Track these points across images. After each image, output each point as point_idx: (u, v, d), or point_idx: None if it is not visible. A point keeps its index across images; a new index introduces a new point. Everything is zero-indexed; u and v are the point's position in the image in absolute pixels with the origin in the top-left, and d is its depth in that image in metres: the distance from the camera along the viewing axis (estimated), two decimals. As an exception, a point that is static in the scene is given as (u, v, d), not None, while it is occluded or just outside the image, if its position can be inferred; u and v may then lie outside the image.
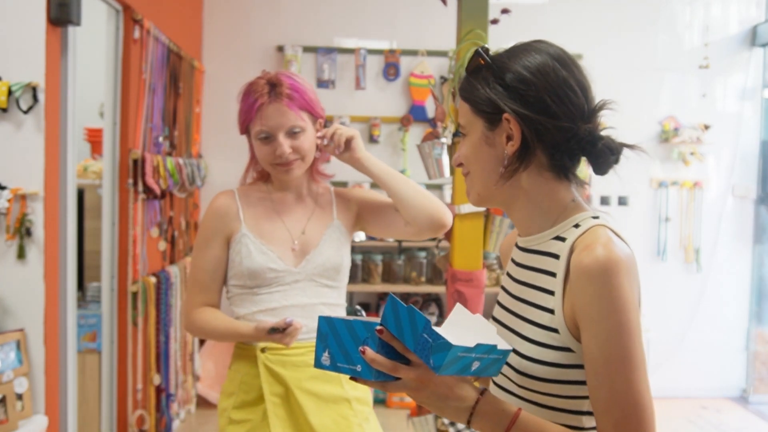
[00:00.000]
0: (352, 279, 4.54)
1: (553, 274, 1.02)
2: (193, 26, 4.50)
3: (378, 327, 0.93)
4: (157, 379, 3.42)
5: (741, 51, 4.85)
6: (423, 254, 4.63)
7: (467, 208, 2.47)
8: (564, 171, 1.05)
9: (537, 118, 1.00)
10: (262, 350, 1.69)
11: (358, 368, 0.95)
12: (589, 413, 1.01)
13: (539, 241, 1.06)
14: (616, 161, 1.04)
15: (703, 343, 4.74)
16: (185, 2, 4.34)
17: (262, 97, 1.66)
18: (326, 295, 1.76)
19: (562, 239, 1.03)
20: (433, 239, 4.46)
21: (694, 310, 4.79)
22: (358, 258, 4.57)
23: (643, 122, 4.71)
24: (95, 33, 3.16)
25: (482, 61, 1.05)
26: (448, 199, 4.14)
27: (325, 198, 1.85)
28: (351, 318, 0.99)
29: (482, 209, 2.49)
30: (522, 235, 1.11)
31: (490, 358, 0.94)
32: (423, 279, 4.59)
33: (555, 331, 0.99)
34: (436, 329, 0.90)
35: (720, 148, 4.83)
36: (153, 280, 3.36)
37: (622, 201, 4.76)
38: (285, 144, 1.67)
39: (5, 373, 2.23)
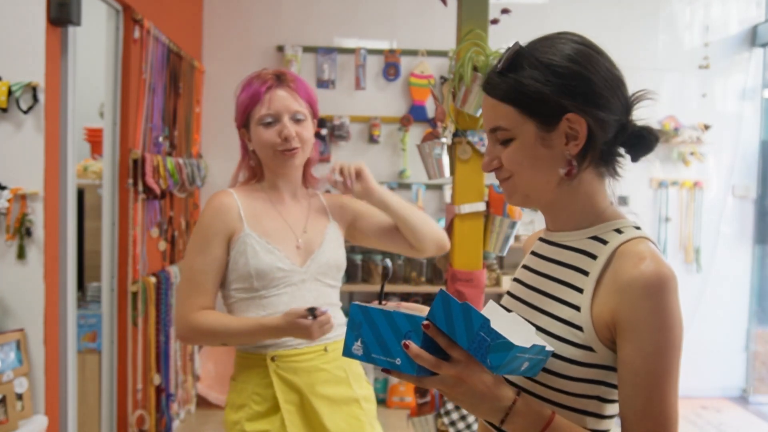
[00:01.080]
0: (353, 279, 4.55)
1: (585, 272, 1.01)
2: (193, 26, 4.50)
3: (425, 322, 0.91)
4: (157, 379, 3.42)
5: (741, 51, 4.85)
6: (423, 254, 4.62)
7: (467, 208, 2.47)
8: (609, 167, 1.05)
9: (599, 114, 0.99)
10: (272, 359, 1.65)
11: (397, 361, 0.92)
12: (595, 414, 1.01)
13: (573, 237, 1.06)
14: (652, 149, 1.05)
15: (703, 343, 4.74)
16: (185, 2, 4.34)
17: (267, 83, 1.68)
18: (330, 295, 1.75)
19: (602, 241, 1.02)
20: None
21: (694, 310, 4.78)
22: (358, 258, 4.57)
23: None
24: (95, 33, 3.16)
25: (531, 59, 0.99)
26: (448, 199, 4.14)
27: (315, 201, 1.84)
28: (390, 309, 0.96)
29: (482, 209, 2.49)
30: (553, 229, 1.10)
31: (537, 359, 0.94)
32: (423, 279, 4.59)
33: (578, 328, 0.99)
34: (494, 328, 0.88)
35: (720, 148, 4.84)
36: (153, 280, 3.36)
37: (622, 201, 4.76)
38: (290, 125, 1.67)
39: (5, 373, 2.23)
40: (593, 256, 1.02)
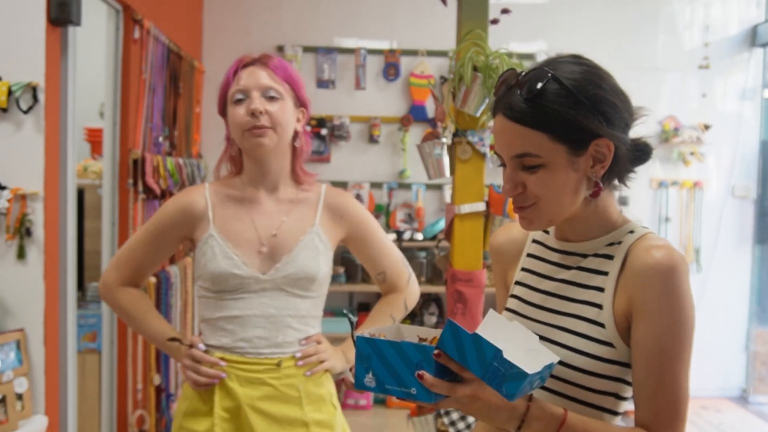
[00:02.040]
0: (352, 279, 4.55)
1: (604, 273, 1.06)
2: (193, 26, 4.50)
3: (436, 351, 0.92)
4: (157, 379, 3.42)
5: (741, 51, 4.85)
6: (423, 254, 4.63)
7: (467, 208, 2.47)
8: (622, 181, 1.10)
9: (622, 136, 1.04)
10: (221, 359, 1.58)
11: (413, 391, 0.94)
12: (610, 411, 1.05)
13: (592, 246, 1.10)
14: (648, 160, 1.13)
15: (703, 343, 4.70)
16: (185, 2, 4.34)
17: (243, 62, 1.59)
18: (297, 305, 1.59)
19: (617, 243, 1.07)
20: (433, 239, 4.48)
21: (694, 310, 4.78)
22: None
23: (643, 122, 4.70)
24: (95, 33, 3.16)
25: (559, 86, 1.00)
26: (448, 199, 4.14)
27: (309, 200, 1.66)
28: (398, 340, 0.97)
29: (482, 209, 2.49)
30: (570, 240, 1.12)
31: (546, 374, 0.97)
32: (423, 279, 4.59)
33: (601, 325, 1.03)
34: (507, 358, 0.90)
35: (720, 148, 4.83)
36: (153, 280, 3.36)
37: (622, 201, 4.76)
38: (258, 101, 1.53)
39: (5, 373, 2.22)
40: (610, 257, 1.06)
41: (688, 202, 4.85)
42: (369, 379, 0.97)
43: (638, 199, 4.82)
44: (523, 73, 1.02)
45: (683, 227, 4.87)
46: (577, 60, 1.05)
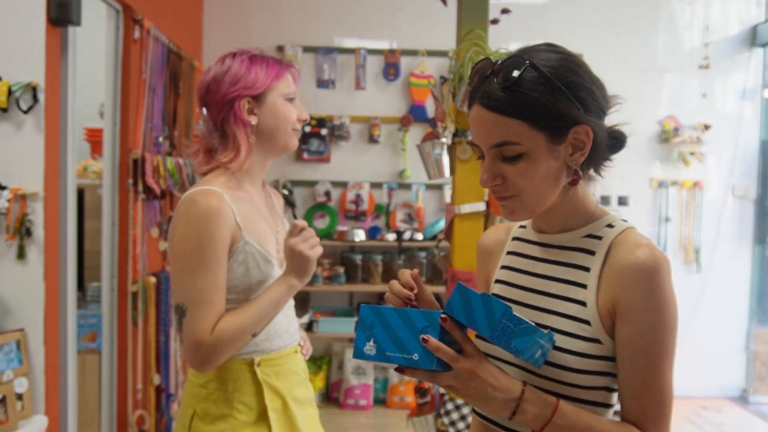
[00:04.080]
0: (353, 279, 4.54)
1: (586, 269, 1.05)
2: (193, 26, 4.50)
3: (442, 315, 0.94)
4: (157, 379, 3.42)
5: (741, 51, 4.85)
6: (423, 254, 4.63)
7: (467, 208, 2.47)
8: (597, 171, 1.09)
9: (600, 123, 1.04)
10: (258, 364, 1.55)
11: (415, 357, 0.94)
12: (603, 405, 1.05)
13: (570, 238, 1.09)
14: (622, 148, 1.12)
15: (703, 343, 4.74)
16: (185, 2, 4.34)
17: (283, 62, 1.63)
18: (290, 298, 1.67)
19: (598, 237, 1.07)
20: (433, 239, 4.48)
21: (694, 310, 4.79)
22: (358, 258, 4.57)
23: (643, 122, 4.72)
24: (95, 33, 3.16)
25: (537, 73, 0.99)
26: (448, 199, 4.14)
27: (267, 193, 1.74)
28: (403, 307, 0.99)
29: (482, 209, 2.49)
30: (548, 231, 1.12)
31: (547, 347, 0.97)
32: (423, 279, 4.58)
33: (586, 322, 1.03)
34: (517, 314, 0.93)
35: (720, 148, 4.84)
36: (153, 280, 3.36)
37: (622, 201, 4.76)
38: (302, 108, 1.66)
39: (5, 373, 2.23)
40: (591, 252, 1.06)
41: (688, 202, 4.86)
42: (369, 348, 0.98)
43: (638, 199, 4.82)
44: (500, 62, 1.01)
45: (683, 227, 4.87)
46: (553, 48, 1.04)
